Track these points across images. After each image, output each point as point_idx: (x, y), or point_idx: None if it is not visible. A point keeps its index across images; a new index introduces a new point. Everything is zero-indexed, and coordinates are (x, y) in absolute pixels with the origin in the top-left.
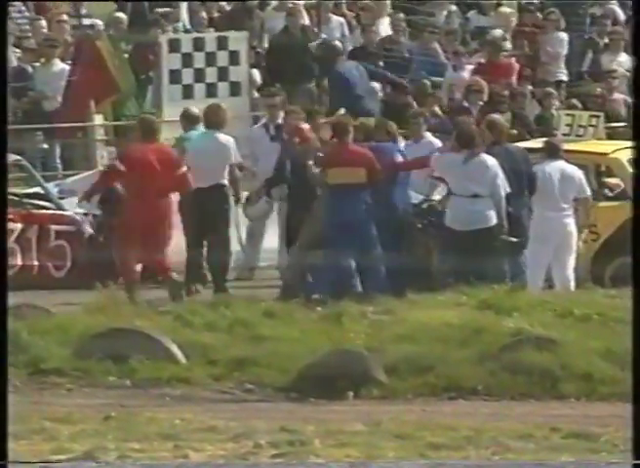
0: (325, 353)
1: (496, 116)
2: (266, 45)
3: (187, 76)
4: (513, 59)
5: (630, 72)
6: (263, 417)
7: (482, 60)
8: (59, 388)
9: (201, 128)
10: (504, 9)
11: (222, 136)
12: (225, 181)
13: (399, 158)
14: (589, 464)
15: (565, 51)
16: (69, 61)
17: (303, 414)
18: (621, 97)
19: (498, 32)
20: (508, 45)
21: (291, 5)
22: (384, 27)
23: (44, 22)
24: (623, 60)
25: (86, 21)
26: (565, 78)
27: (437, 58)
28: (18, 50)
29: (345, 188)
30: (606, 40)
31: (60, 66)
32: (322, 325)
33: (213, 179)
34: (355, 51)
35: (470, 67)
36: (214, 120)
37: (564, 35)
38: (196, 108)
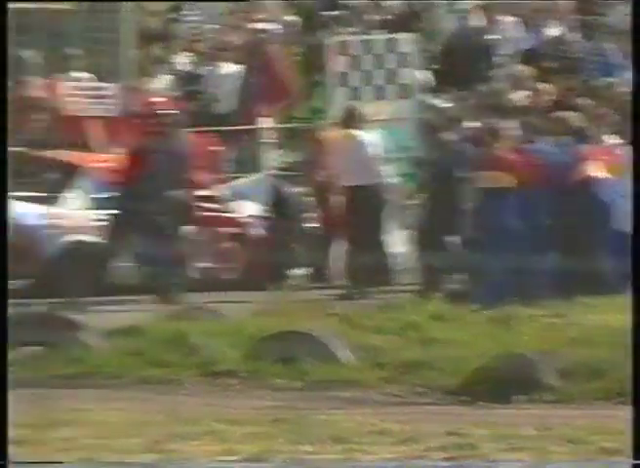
0: (496, 356)
1: None
2: (438, 47)
3: (355, 78)
4: None
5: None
6: (434, 421)
7: None
8: (230, 390)
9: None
10: None
11: (366, 135)
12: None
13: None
14: (589, 464)
15: None
16: (241, 65)
17: (474, 418)
18: None
19: None
20: None
21: (465, 6)
22: (557, 28)
23: (213, 25)
24: None
25: (258, 25)
26: None
27: (612, 59)
28: (190, 53)
29: (497, 192)
30: None
31: (231, 69)
32: (492, 328)
33: (367, 178)
34: (528, 51)
35: None
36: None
37: None
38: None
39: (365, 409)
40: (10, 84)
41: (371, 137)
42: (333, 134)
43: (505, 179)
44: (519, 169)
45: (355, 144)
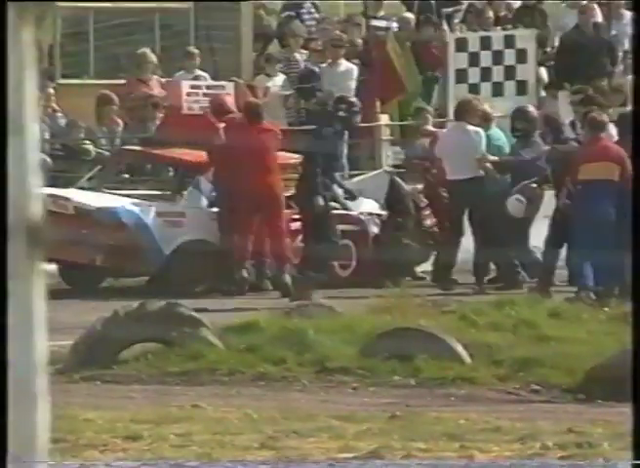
0: (614, 354)
1: None
2: (556, 43)
3: (474, 75)
4: None
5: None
6: (550, 419)
7: None
8: (345, 386)
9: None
10: None
11: (472, 129)
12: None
13: None
14: (590, 464)
15: None
16: (357, 62)
17: (591, 416)
18: None
19: None
20: None
21: (584, 2)
22: None
23: (330, 23)
24: None
25: (376, 22)
26: None
27: None
28: (305, 51)
29: (597, 184)
30: None
31: (347, 66)
32: (610, 325)
33: (466, 172)
34: None
35: None
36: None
37: None
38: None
39: (480, 406)
40: (128, 82)
41: (481, 132)
42: (445, 127)
43: (613, 171)
44: (621, 162)
45: (465, 137)
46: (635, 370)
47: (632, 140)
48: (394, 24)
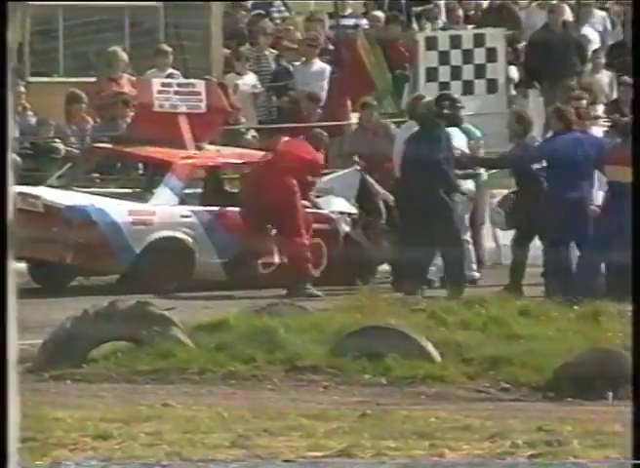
0: (582, 352)
1: None
2: (526, 42)
3: (444, 73)
4: None
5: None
6: (520, 417)
7: None
8: (315, 385)
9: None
10: None
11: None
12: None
13: None
14: (590, 464)
15: None
16: (328, 61)
17: (560, 414)
18: None
19: None
20: None
21: (554, 1)
22: None
23: (298, 20)
24: None
25: (346, 21)
26: None
27: None
28: (274, 50)
29: (623, 186)
30: None
31: (320, 66)
32: (579, 324)
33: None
34: (615, 46)
35: None
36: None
37: None
38: None
39: (449, 404)
40: (98, 80)
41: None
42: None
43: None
44: None
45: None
46: (635, 369)
47: (632, 141)
48: (364, 22)
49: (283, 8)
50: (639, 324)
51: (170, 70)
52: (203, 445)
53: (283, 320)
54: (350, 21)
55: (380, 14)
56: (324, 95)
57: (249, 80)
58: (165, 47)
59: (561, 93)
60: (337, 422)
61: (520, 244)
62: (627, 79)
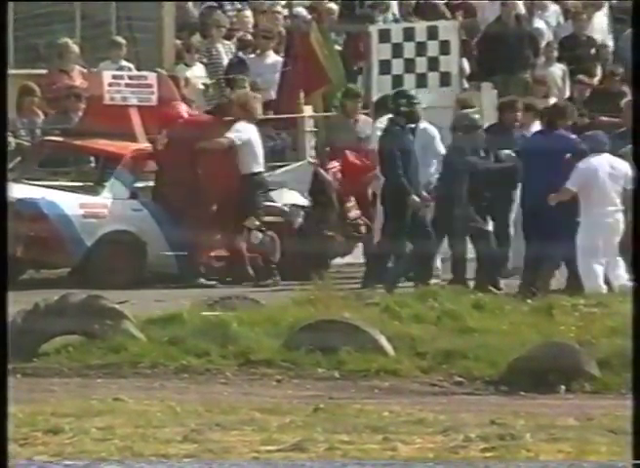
0: (536, 346)
1: None
2: (480, 35)
3: (397, 66)
4: None
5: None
6: (473, 410)
7: None
8: (268, 379)
9: None
10: None
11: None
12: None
13: None
14: (590, 464)
15: None
16: (282, 53)
17: (514, 408)
18: None
19: None
20: None
21: None
22: (601, 16)
23: (249, 13)
24: None
25: (299, 13)
26: None
27: None
28: (227, 42)
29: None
30: None
31: (274, 58)
32: (532, 317)
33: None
34: (567, 39)
35: None
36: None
37: None
38: None
39: (403, 398)
40: (49, 72)
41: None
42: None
43: None
44: None
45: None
46: (635, 366)
47: (632, 141)
48: (317, 15)
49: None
50: (639, 323)
51: (123, 63)
52: (155, 439)
53: (236, 313)
54: (304, 14)
55: (333, 6)
56: (275, 87)
57: (197, 72)
58: (119, 39)
59: (514, 86)
60: (290, 416)
61: (458, 238)
62: (583, 77)
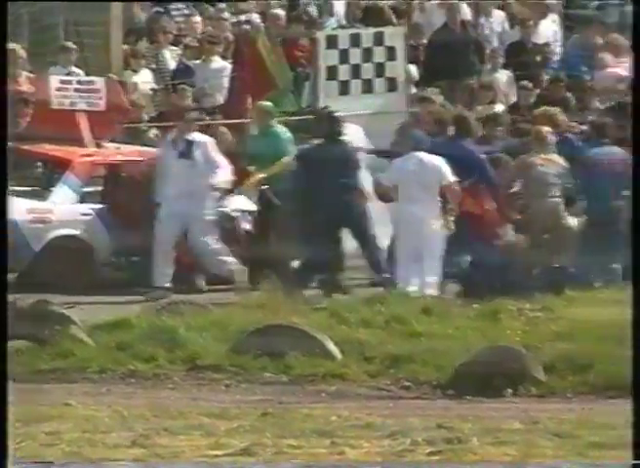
0: (482, 350)
1: None
2: (426, 41)
3: (344, 72)
4: None
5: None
6: (420, 415)
7: None
8: (216, 384)
9: None
10: None
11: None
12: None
13: None
14: (590, 464)
15: None
16: (230, 59)
17: (460, 412)
18: None
19: None
20: None
21: (452, 1)
22: (547, 23)
23: (199, 19)
24: None
25: (245, 18)
26: None
27: (596, 53)
28: (175, 48)
29: None
30: None
31: (220, 64)
32: (478, 322)
33: None
34: (512, 45)
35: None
36: None
37: None
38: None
39: (351, 402)
40: None
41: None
42: None
43: None
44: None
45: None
46: (635, 368)
47: (632, 140)
48: (264, 21)
49: (182, 5)
50: (639, 323)
51: (72, 68)
52: (103, 444)
53: (184, 318)
54: (250, 19)
55: (280, 12)
56: (224, 93)
57: (144, 77)
58: (68, 44)
59: (460, 91)
60: (238, 421)
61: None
62: (527, 84)
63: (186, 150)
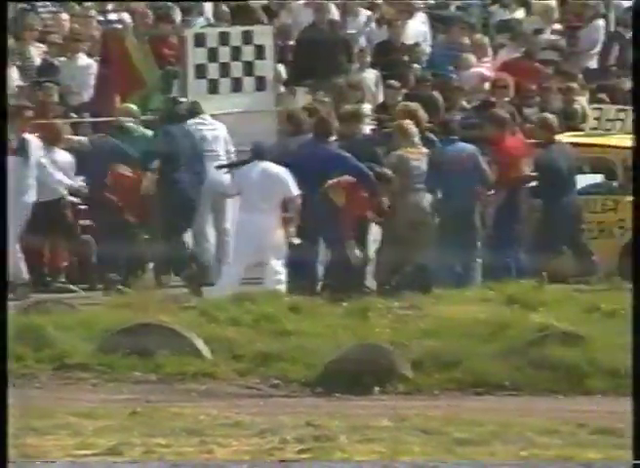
0: (350, 348)
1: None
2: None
3: (213, 70)
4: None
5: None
6: (289, 413)
7: (514, 57)
8: (84, 383)
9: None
10: (550, 2)
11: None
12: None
13: None
14: (590, 464)
15: (602, 39)
16: (96, 57)
17: (329, 410)
18: None
19: (532, 26)
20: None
21: (320, 0)
22: (415, 23)
23: (66, 16)
24: None
25: (112, 16)
26: (594, 66)
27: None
28: (41, 45)
29: None
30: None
31: (86, 61)
32: (347, 320)
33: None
34: (380, 45)
35: (491, 62)
36: None
37: (602, 23)
38: None
39: (220, 401)
40: None
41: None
42: None
43: None
44: None
45: None
46: (635, 367)
47: (634, 140)
48: (131, 18)
49: (49, 3)
50: (639, 322)
51: None
52: None
53: (51, 317)
54: (119, 17)
55: (148, 10)
56: (90, 91)
57: (10, 74)
58: None
59: (329, 91)
60: (106, 420)
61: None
62: (394, 83)
63: (20, 148)
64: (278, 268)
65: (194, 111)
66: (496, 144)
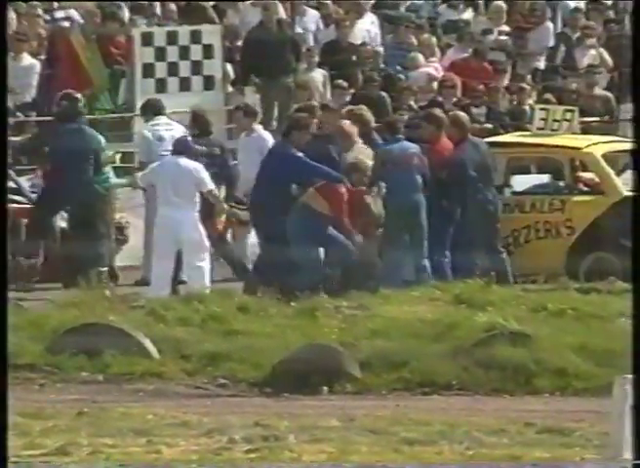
0: (299, 348)
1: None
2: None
3: (161, 70)
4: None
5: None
6: (237, 412)
7: (462, 57)
8: (31, 383)
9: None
10: (499, 3)
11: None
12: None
13: None
14: (590, 464)
15: (551, 41)
16: (43, 56)
17: (277, 410)
18: (602, 93)
19: (481, 27)
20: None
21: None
22: (364, 23)
23: (13, 15)
24: (595, 55)
25: (59, 14)
26: (542, 67)
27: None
28: None
29: None
30: (578, 34)
31: (30, 61)
32: (296, 320)
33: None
34: (328, 45)
35: (439, 62)
36: None
37: (551, 25)
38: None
39: (168, 401)
40: None
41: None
42: None
43: None
44: None
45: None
46: (635, 367)
47: (633, 144)
48: (77, 17)
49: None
50: (639, 321)
51: None
52: None
53: None
54: (66, 16)
55: (95, 9)
56: (33, 91)
57: None
58: None
59: (277, 90)
60: (53, 421)
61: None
62: (341, 82)
63: None
64: (199, 264)
65: (157, 110)
66: (432, 144)
